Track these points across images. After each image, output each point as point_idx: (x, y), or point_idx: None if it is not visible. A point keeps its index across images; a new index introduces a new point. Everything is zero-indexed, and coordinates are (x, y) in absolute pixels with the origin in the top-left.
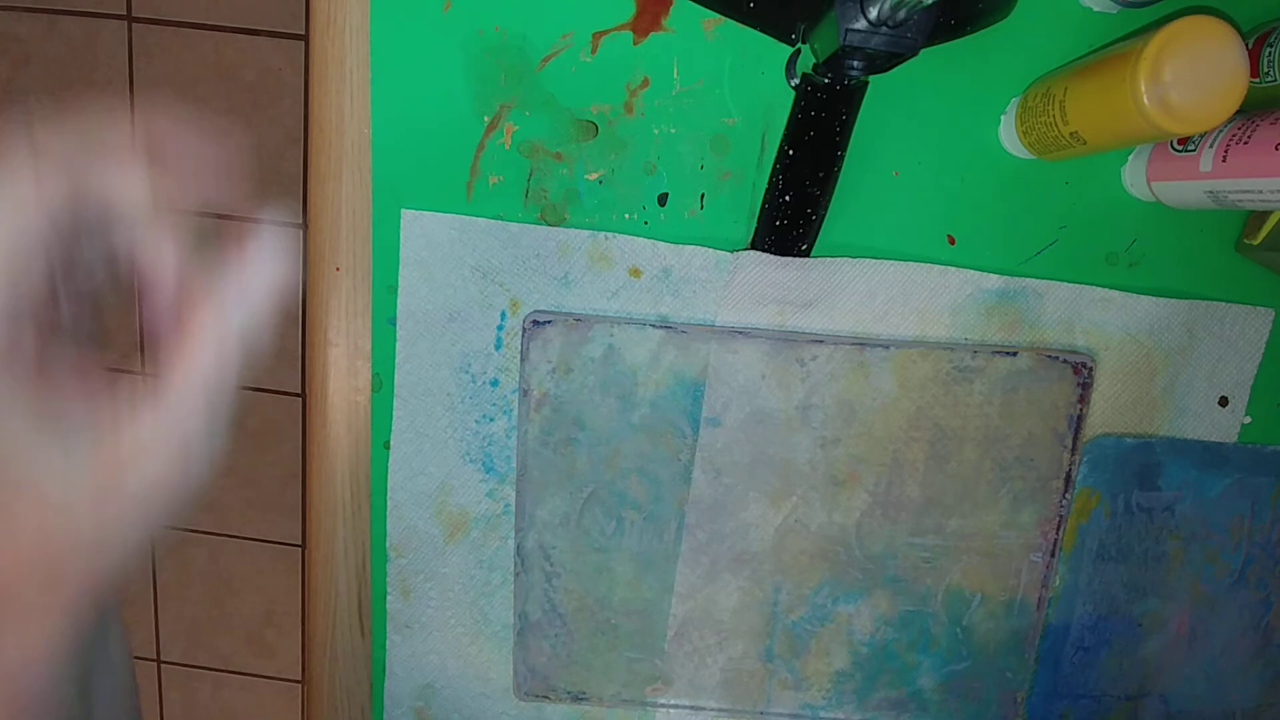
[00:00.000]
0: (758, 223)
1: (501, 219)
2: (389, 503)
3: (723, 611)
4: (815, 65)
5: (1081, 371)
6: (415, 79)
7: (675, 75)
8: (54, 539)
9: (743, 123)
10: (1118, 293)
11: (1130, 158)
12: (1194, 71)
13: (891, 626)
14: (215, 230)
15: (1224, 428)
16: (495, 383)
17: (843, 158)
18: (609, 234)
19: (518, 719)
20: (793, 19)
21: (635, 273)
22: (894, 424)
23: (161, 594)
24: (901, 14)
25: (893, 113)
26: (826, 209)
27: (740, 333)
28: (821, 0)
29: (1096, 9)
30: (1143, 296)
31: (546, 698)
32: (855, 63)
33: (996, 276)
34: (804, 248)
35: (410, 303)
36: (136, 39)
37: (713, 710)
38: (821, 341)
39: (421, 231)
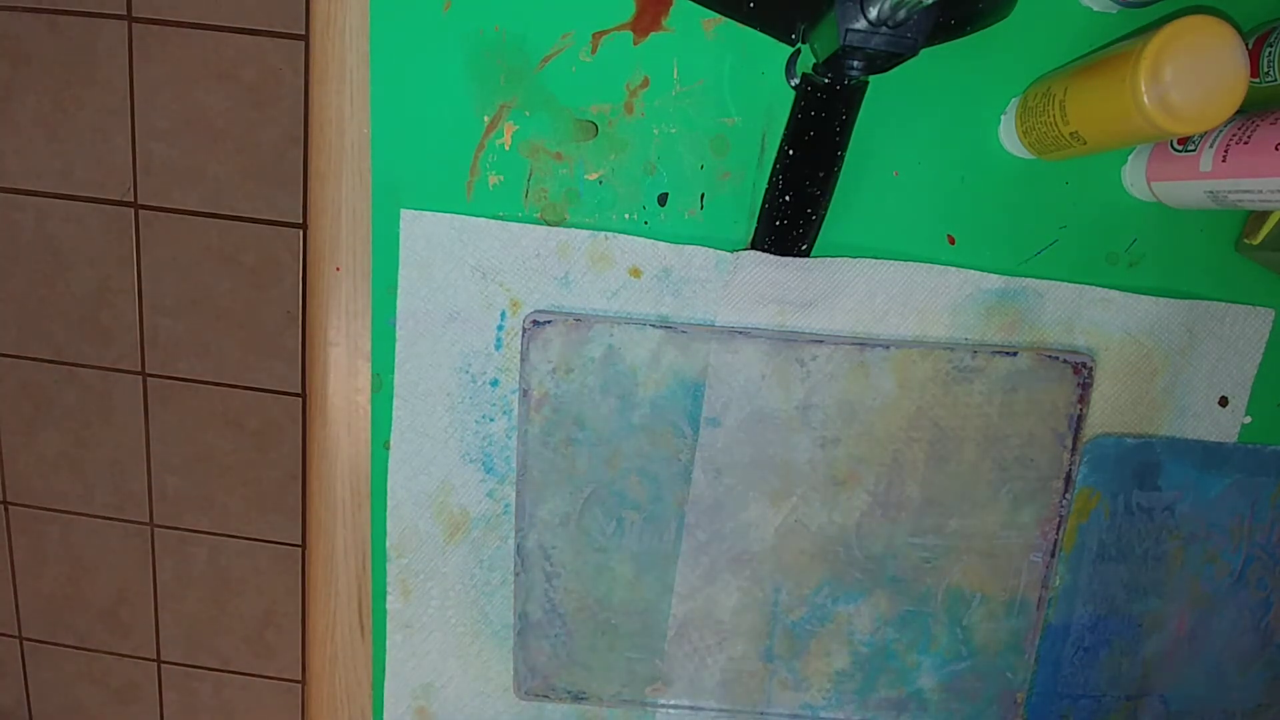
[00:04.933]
0: (758, 223)
1: (501, 219)
2: (389, 503)
3: (723, 611)
4: (815, 65)
5: (1081, 371)
6: (415, 79)
7: (675, 75)
8: None
9: (743, 123)
10: (1118, 293)
11: (1130, 158)
12: (1194, 71)
13: (891, 626)
14: None
15: (1224, 428)
16: (495, 383)
17: (843, 158)
18: (609, 234)
19: (518, 719)
20: (793, 19)
21: (635, 273)
22: (894, 424)
23: (161, 594)
24: (901, 14)
25: (893, 113)
26: (826, 209)
27: (740, 333)
28: (821, 0)
29: (1096, 9)
30: (1143, 296)
31: (546, 697)
32: (855, 63)
33: (996, 276)
34: (804, 248)
35: (410, 303)
36: (136, 39)
37: (713, 710)
38: (821, 341)
39: (421, 231)
